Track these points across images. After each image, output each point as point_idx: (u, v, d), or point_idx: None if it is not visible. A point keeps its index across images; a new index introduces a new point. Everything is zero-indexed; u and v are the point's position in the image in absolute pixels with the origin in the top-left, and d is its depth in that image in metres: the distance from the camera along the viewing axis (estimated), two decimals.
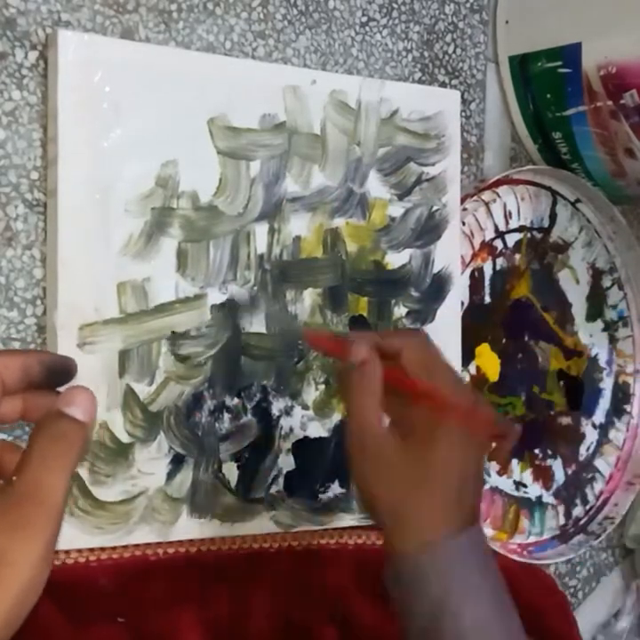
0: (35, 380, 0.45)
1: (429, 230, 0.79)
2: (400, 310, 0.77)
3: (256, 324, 0.71)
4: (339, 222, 0.74)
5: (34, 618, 0.60)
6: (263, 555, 0.71)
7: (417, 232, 0.78)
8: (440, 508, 0.56)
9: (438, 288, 0.79)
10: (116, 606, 0.64)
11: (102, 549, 0.65)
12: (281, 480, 0.72)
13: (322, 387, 0.74)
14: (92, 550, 0.64)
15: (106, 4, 0.67)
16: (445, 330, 0.80)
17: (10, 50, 0.63)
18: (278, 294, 0.71)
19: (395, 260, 0.77)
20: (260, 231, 0.71)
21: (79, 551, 0.64)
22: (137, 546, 0.66)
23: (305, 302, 0.73)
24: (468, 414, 0.57)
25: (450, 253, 0.80)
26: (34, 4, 0.64)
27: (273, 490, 0.71)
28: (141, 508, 0.66)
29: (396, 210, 0.77)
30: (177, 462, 0.67)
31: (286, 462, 0.72)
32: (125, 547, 0.66)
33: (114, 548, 0.65)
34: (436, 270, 0.79)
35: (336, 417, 0.74)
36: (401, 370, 0.58)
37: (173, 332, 0.67)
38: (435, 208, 0.79)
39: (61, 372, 0.46)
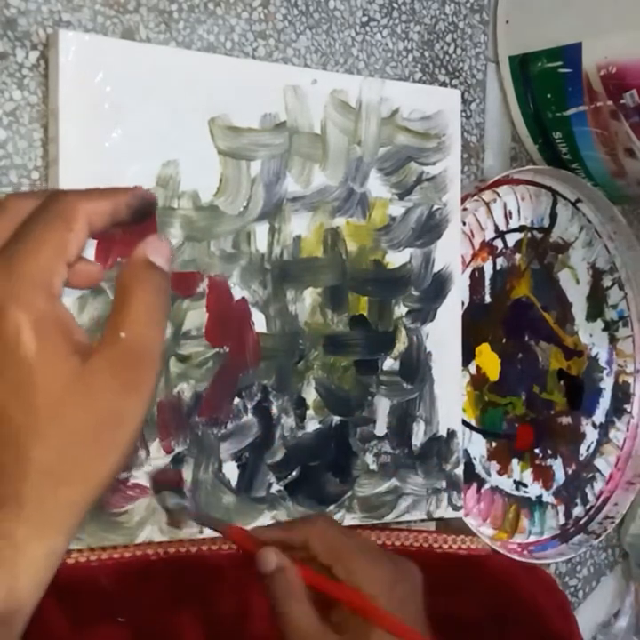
0: (117, 223, 0.42)
1: (430, 230, 0.79)
2: (400, 310, 0.77)
3: (256, 324, 0.71)
4: (339, 222, 0.74)
5: (34, 618, 0.60)
6: None
7: (417, 231, 0.78)
8: None
9: (439, 287, 0.79)
10: (117, 606, 0.64)
11: (103, 549, 0.65)
12: (281, 480, 0.72)
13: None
14: (92, 550, 0.64)
15: (106, 5, 0.67)
16: (446, 329, 0.80)
17: (10, 50, 0.63)
18: (279, 294, 0.71)
19: (395, 259, 0.77)
20: (261, 231, 0.71)
21: (80, 551, 0.64)
22: (138, 545, 0.66)
23: (305, 302, 0.73)
24: (394, 627, 0.54)
25: (450, 253, 0.80)
26: (34, 4, 0.64)
27: (273, 489, 0.71)
28: (142, 507, 0.66)
29: (397, 209, 0.77)
30: (177, 462, 0.67)
31: (287, 462, 0.72)
32: (126, 546, 0.65)
33: (115, 548, 0.65)
34: (436, 270, 0.79)
35: (336, 417, 0.74)
36: (318, 574, 0.56)
37: (174, 332, 0.67)
38: (435, 207, 0.79)
39: (145, 212, 0.43)
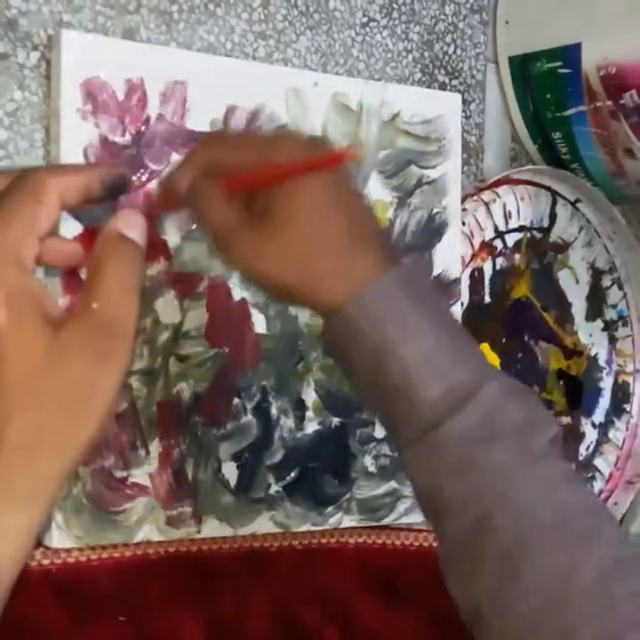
0: (91, 199, 0.42)
1: (429, 233, 0.79)
2: None
3: (256, 325, 0.71)
4: None
5: (34, 616, 0.61)
6: (263, 554, 0.71)
7: (417, 235, 0.78)
8: (338, 256, 0.51)
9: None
10: (117, 605, 0.65)
11: (103, 548, 0.65)
12: (280, 481, 0.72)
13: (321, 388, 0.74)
14: (93, 549, 0.65)
15: (107, 5, 0.67)
16: None
17: (11, 50, 0.63)
18: None
19: None
20: None
21: (80, 550, 0.64)
22: (138, 545, 0.66)
23: None
24: (312, 163, 0.52)
25: (449, 256, 0.80)
26: (35, 4, 0.64)
27: (272, 490, 0.71)
28: (140, 506, 0.66)
29: (397, 212, 0.77)
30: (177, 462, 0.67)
31: (286, 463, 0.72)
32: (126, 545, 0.66)
33: (115, 547, 0.65)
34: (436, 273, 0.79)
35: (335, 419, 0.75)
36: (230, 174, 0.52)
37: (174, 332, 0.67)
38: (435, 211, 0.79)
39: (119, 188, 0.43)
